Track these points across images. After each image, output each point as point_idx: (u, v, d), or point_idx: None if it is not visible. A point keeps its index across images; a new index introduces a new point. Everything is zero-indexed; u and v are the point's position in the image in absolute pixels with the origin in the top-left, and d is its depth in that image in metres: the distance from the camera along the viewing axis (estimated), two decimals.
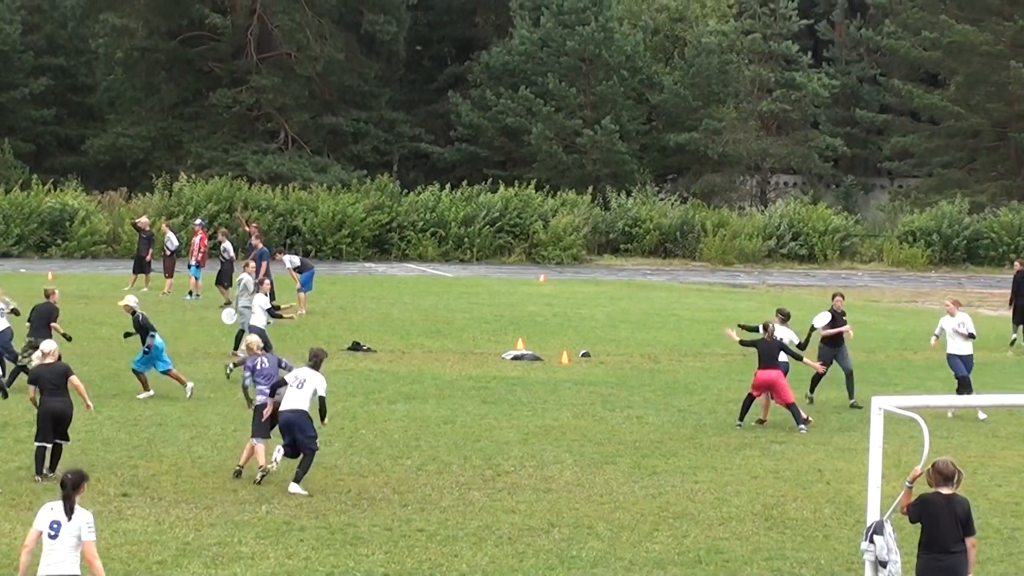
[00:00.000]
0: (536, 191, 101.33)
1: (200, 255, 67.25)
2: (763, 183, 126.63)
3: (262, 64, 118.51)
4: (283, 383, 31.31)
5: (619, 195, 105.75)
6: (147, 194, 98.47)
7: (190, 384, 40.72)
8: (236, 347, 45.93)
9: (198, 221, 74.93)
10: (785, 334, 40.02)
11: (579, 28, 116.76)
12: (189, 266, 67.28)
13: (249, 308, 46.51)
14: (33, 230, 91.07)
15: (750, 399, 38.90)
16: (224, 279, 62.90)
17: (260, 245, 61.61)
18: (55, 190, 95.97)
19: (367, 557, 25.42)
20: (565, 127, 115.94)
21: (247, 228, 68.63)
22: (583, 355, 49.86)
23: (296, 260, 62.93)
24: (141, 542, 25.73)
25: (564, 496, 30.50)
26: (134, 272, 68.95)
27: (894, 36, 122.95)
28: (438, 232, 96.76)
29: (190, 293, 65.55)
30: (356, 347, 49.53)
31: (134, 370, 40.83)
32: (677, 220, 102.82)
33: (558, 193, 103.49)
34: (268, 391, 31.68)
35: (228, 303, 58.07)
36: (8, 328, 41.33)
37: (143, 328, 40.26)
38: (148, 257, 69.27)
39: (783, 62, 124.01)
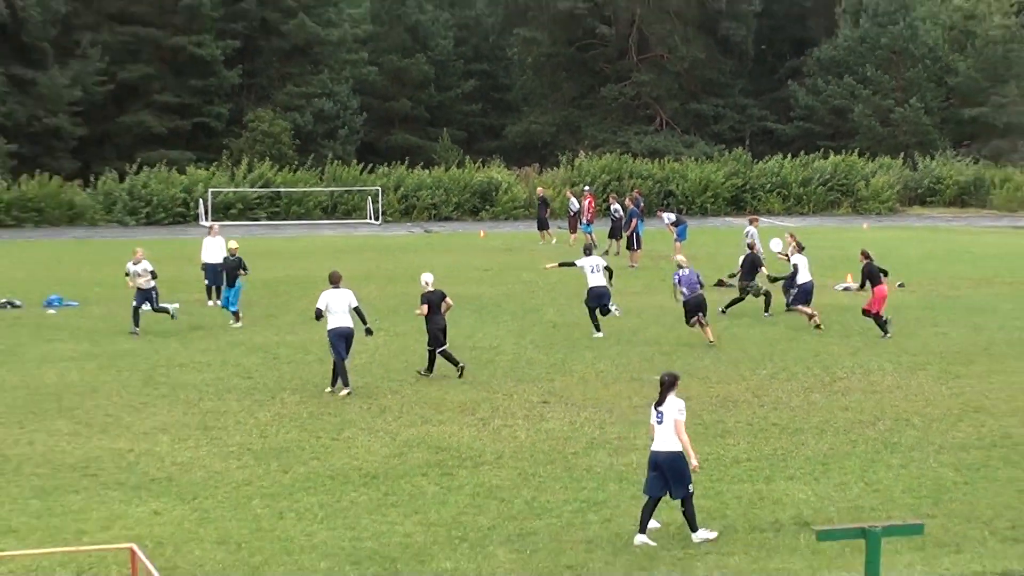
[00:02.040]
0: (859, 157, 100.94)
1: (590, 215, 68.21)
2: None
3: (641, 64, 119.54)
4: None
5: (924, 159, 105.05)
6: (554, 168, 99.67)
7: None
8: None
9: (587, 188, 76.17)
10: None
11: (890, 27, 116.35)
12: (583, 223, 68.17)
13: None
14: (467, 199, 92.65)
15: None
16: (615, 234, 63.64)
17: (631, 206, 62.46)
18: (483, 167, 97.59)
19: (733, 446, 25.71)
20: (880, 106, 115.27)
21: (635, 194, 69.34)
22: (899, 286, 49.48)
23: (672, 216, 63.67)
24: (559, 437, 26.27)
25: (886, 396, 30.44)
26: (539, 229, 70.43)
27: None
28: (781, 191, 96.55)
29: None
30: (720, 283, 49.80)
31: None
32: (971, 177, 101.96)
33: (876, 158, 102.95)
34: (688, 293, 36.85)
35: (606, 252, 59.59)
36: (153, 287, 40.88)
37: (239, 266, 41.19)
38: (546, 216, 71.08)
39: None
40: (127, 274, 40.90)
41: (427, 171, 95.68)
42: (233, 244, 42.01)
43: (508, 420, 27.89)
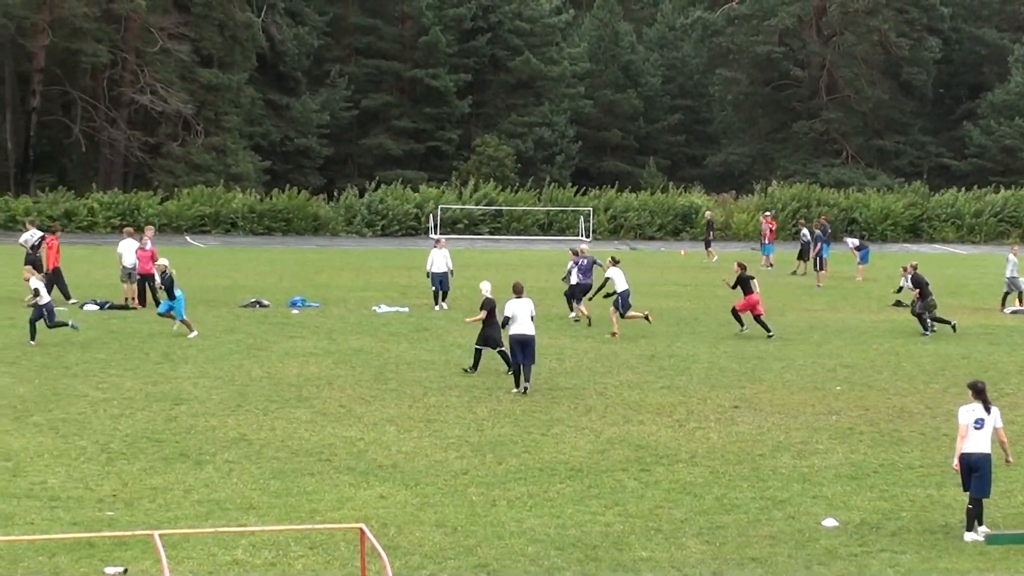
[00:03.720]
0: None
1: (771, 237, 67.84)
2: None
3: (830, 103, 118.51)
4: None
5: None
6: (749, 195, 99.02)
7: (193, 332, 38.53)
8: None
9: (768, 213, 75.55)
10: None
11: None
12: (763, 245, 67.95)
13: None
14: (670, 220, 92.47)
15: None
16: (803, 256, 63.16)
17: (818, 231, 61.91)
18: (685, 193, 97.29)
19: (907, 453, 25.06)
20: None
21: (821, 220, 68.67)
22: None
23: (856, 241, 63.38)
24: (748, 440, 25.86)
25: None
26: (705, 248, 71.51)
27: None
28: (955, 222, 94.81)
29: (770, 265, 65.91)
30: (898, 304, 48.97)
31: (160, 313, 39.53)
32: None
33: None
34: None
35: (794, 272, 59.15)
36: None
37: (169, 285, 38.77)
38: (711, 237, 72.30)
39: None
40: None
41: (634, 195, 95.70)
42: (163, 261, 40.42)
43: (702, 422, 27.53)
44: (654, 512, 20.77)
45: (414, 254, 65.77)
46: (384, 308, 45.22)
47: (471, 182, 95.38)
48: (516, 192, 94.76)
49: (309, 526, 18.52)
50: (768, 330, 40.64)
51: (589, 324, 42.34)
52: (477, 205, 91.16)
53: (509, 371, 31.81)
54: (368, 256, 69.58)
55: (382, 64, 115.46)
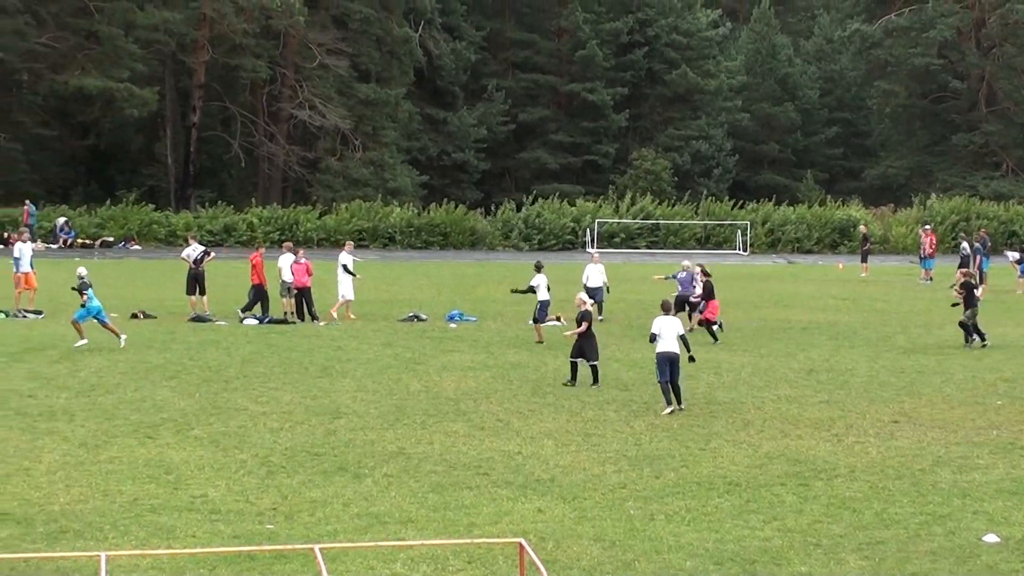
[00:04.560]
0: None
1: (930, 250, 66.88)
2: None
3: (989, 115, 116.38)
4: None
5: None
6: (907, 208, 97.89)
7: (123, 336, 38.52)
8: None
9: (927, 226, 74.41)
10: None
11: None
12: (922, 259, 67.11)
13: None
14: (827, 234, 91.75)
15: None
16: (964, 264, 62.46)
17: (977, 244, 61.21)
18: (842, 206, 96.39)
19: None
20: None
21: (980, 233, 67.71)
22: None
23: (1017, 255, 62.45)
24: (907, 455, 25.37)
25: None
26: (861, 262, 70.37)
27: None
28: None
29: (930, 278, 65.04)
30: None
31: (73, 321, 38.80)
32: None
33: None
34: None
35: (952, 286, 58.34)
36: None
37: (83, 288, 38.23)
38: (867, 249, 71.04)
39: None
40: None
41: (791, 208, 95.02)
42: (81, 270, 40.14)
43: (860, 437, 27.17)
44: (813, 527, 20.52)
45: (571, 268, 65.68)
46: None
47: (628, 196, 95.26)
48: (673, 206, 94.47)
49: (468, 540, 18.52)
50: (715, 337, 41.01)
51: (690, 330, 42.53)
52: (634, 219, 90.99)
53: (570, 382, 32.46)
54: (525, 270, 69.56)
55: (539, 78, 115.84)
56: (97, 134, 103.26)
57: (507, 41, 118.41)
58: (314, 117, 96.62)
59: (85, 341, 37.79)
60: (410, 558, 18.40)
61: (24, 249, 47.10)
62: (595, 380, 32.73)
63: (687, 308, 43.30)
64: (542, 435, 26.76)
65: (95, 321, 38.10)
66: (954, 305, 43.37)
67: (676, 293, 43.56)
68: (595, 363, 32.80)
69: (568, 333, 34.49)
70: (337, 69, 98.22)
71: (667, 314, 30.32)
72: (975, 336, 40.97)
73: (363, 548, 18.37)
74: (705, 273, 43.18)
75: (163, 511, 20.70)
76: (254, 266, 45.59)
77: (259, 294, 45.26)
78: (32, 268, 47.25)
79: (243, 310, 45.53)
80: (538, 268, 42.57)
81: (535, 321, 41.55)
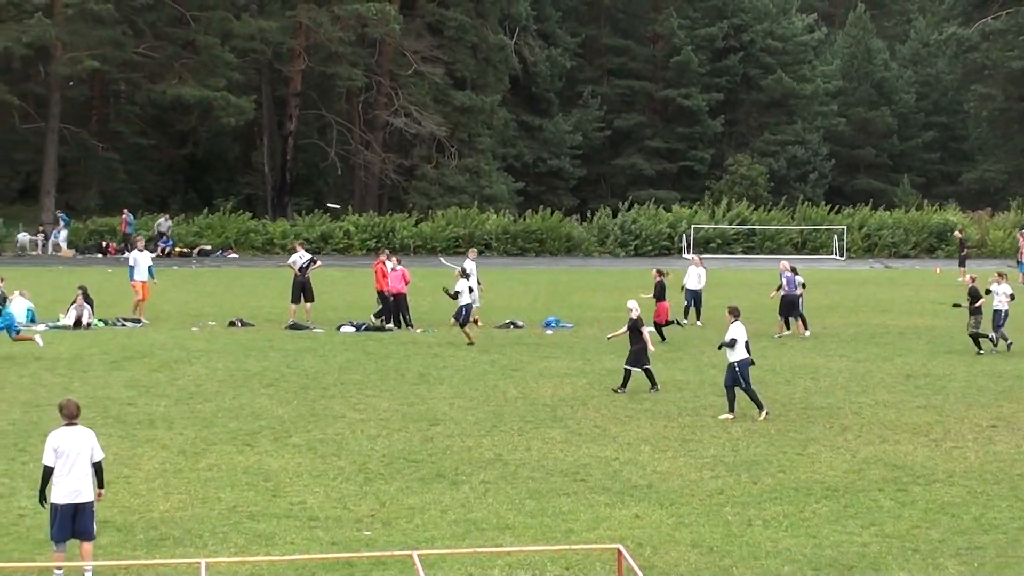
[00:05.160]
0: None
1: None
2: None
3: None
4: None
5: None
6: (1005, 212, 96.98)
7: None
8: None
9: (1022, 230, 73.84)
10: None
11: None
12: (1020, 263, 66.86)
13: None
14: (924, 238, 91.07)
15: None
16: None
17: None
18: (939, 210, 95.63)
19: None
20: None
21: None
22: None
23: None
24: (1006, 459, 25.20)
25: None
26: (959, 267, 69.98)
27: None
28: None
29: None
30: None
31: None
32: None
33: None
34: None
35: None
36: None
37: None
38: (964, 255, 71.54)
39: None
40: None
41: (888, 212, 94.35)
42: None
43: (959, 442, 26.99)
44: (911, 532, 20.41)
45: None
46: None
47: (724, 201, 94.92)
48: (769, 211, 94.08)
49: (566, 546, 18.54)
50: (663, 337, 41.77)
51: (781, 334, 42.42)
52: (730, 224, 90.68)
53: (620, 389, 32.58)
54: (621, 276, 69.55)
55: (634, 84, 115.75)
56: (194, 143, 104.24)
57: (602, 47, 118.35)
58: (410, 124, 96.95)
59: (39, 341, 37.99)
60: (508, 564, 18.45)
61: (139, 258, 47.31)
62: (653, 385, 32.76)
63: (792, 309, 43.55)
64: (639, 441, 26.74)
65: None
66: (955, 306, 43.48)
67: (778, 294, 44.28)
68: (648, 367, 32.79)
69: (611, 336, 34.45)
70: (433, 76, 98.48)
71: (738, 319, 30.09)
72: (984, 341, 40.63)
73: (461, 555, 18.44)
74: (659, 273, 43.76)
75: (262, 518, 20.87)
76: (379, 273, 45.73)
77: (386, 299, 45.48)
78: (151, 277, 47.41)
79: (376, 316, 45.76)
80: (465, 275, 42.98)
81: (458, 322, 41.91)
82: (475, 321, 44.78)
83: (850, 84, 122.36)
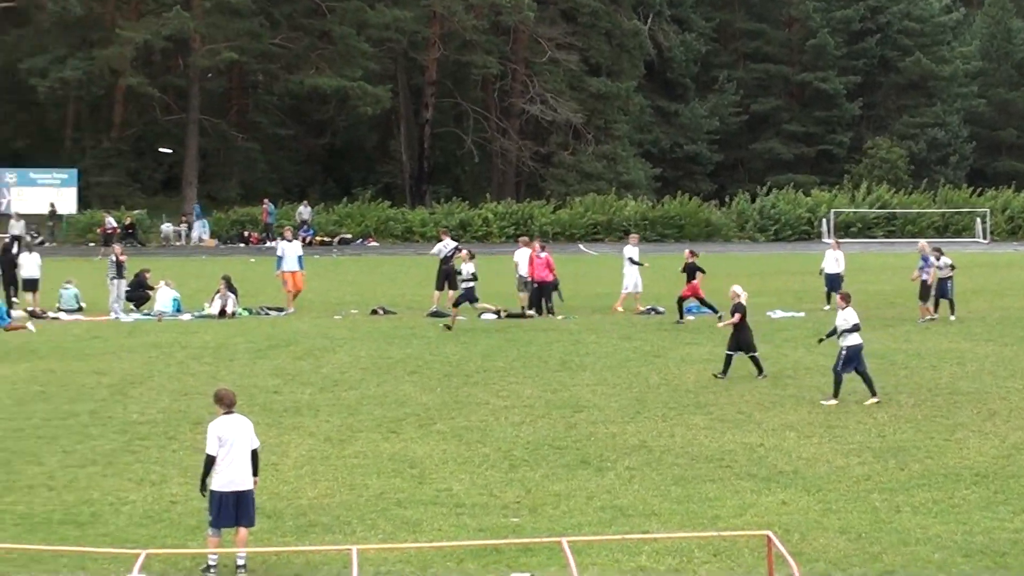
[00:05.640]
0: None
1: None
2: None
3: None
4: None
5: None
6: None
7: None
8: None
9: None
10: None
11: None
12: None
13: None
14: None
15: None
16: None
17: None
18: None
19: None
20: None
21: None
22: None
23: None
24: None
25: None
26: None
27: None
28: None
29: None
30: None
31: None
32: None
33: None
34: None
35: None
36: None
37: None
38: None
39: None
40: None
41: None
42: None
43: None
44: None
45: (807, 259, 65.11)
46: (779, 313, 44.98)
47: (863, 185, 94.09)
48: (910, 194, 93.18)
49: (716, 533, 18.48)
50: (681, 315, 43.31)
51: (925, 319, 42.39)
52: (870, 208, 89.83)
53: (721, 375, 32.36)
54: (761, 261, 69.20)
55: (770, 68, 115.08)
56: (332, 132, 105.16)
57: (737, 32, 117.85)
58: (546, 112, 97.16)
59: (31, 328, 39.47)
60: (655, 551, 18.41)
61: (287, 248, 47.73)
62: (760, 371, 32.45)
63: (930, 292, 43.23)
64: (784, 427, 26.57)
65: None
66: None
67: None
68: (754, 354, 32.53)
69: (722, 324, 34.38)
70: (568, 63, 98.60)
71: (849, 304, 29.72)
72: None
73: (609, 541, 18.42)
74: (692, 254, 44.49)
75: (409, 505, 21.00)
76: (532, 261, 45.81)
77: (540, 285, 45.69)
78: (301, 267, 47.81)
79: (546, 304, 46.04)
80: (470, 256, 43.53)
81: (455, 304, 42.80)
82: (637, 306, 45.22)
83: (990, 65, 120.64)
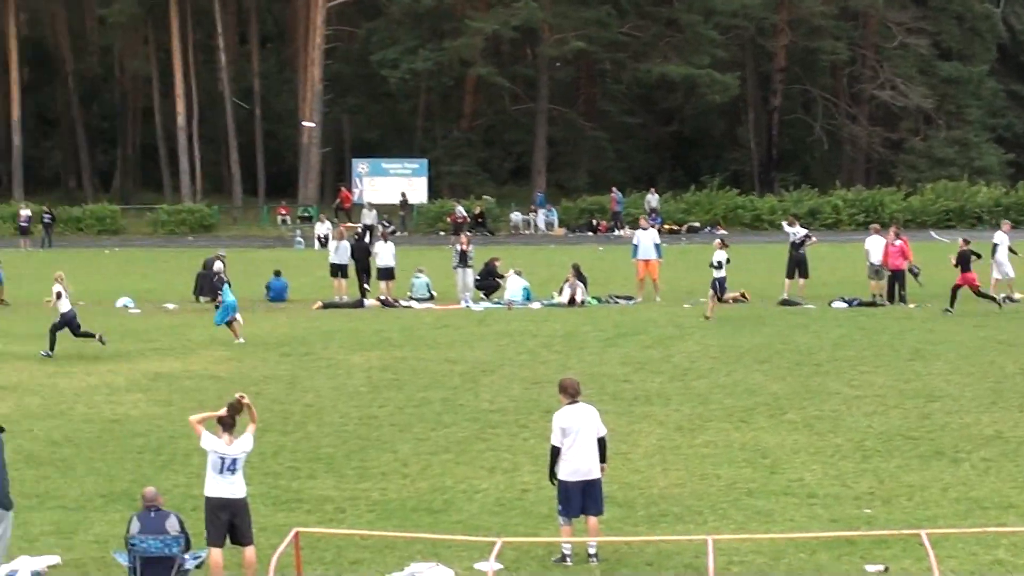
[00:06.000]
0: None
1: None
2: None
3: None
4: None
5: None
6: None
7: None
8: None
9: None
10: None
11: None
12: None
13: None
14: None
15: None
16: None
17: None
18: None
19: None
20: None
21: None
22: None
23: None
24: None
25: None
26: None
27: None
28: None
29: None
30: None
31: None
32: None
33: None
34: None
35: None
36: None
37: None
38: None
39: None
40: None
41: None
42: (218, 264, 41.34)
43: None
44: None
45: None
46: None
47: None
48: None
49: None
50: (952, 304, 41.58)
51: None
52: None
53: None
54: None
55: None
56: (680, 120, 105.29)
57: None
58: (896, 97, 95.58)
59: (241, 340, 37.08)
60: (1013, 544, 18.01)
61: (643, 237, 47.92)
62: None
63: None
64: None
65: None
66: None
67: None
68: None
69: None
70: (918, 48, 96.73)
71: None
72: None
73: (966, 534, 18.09)
74: (965, 242, 42.79)
75: (760, 495, 20.96)
76: (887, 248, 45.08)
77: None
78: (659, 256, 48.04)
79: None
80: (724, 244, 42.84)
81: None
82: (1012, 292, 44.47)
83: None
